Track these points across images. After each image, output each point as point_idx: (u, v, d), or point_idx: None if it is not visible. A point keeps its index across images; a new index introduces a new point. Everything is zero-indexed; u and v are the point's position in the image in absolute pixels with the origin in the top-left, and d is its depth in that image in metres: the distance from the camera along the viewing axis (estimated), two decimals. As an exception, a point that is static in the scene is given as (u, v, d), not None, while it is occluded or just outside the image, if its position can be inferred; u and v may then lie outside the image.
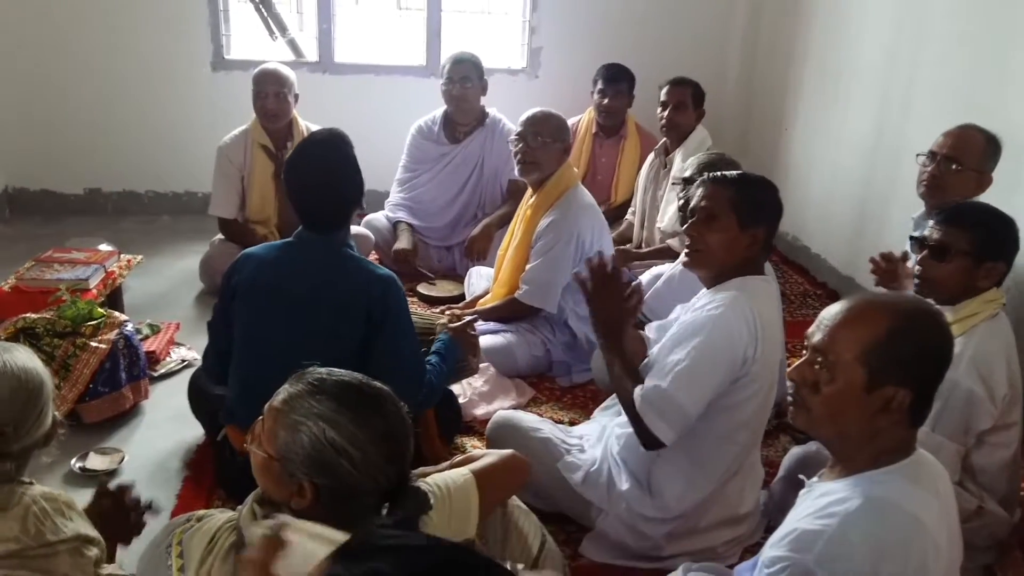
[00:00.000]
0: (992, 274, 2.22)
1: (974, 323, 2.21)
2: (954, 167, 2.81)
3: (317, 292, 2.31)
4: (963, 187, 2.81)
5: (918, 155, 2.94)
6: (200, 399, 2.73)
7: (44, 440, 1.70)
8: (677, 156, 4.01)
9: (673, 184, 3.67)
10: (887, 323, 1.46)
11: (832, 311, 1.53)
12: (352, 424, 1.41)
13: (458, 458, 2.03)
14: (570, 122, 4.67)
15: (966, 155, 2.81)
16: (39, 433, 1.67)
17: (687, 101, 4.08)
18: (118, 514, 1.93)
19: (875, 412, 1.46)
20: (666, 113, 4.11)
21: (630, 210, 4.44)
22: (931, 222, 2.30)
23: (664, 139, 4.21)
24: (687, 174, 3.14)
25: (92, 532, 1.73)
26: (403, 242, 4.31)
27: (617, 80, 4.49)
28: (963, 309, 2.23)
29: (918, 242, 2.32)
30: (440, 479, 1.73)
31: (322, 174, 2.34)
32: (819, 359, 1.51)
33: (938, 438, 2.15)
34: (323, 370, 1.51)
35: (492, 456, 1.95)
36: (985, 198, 2.74)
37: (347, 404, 1.43)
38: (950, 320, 2.21)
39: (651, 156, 4.27)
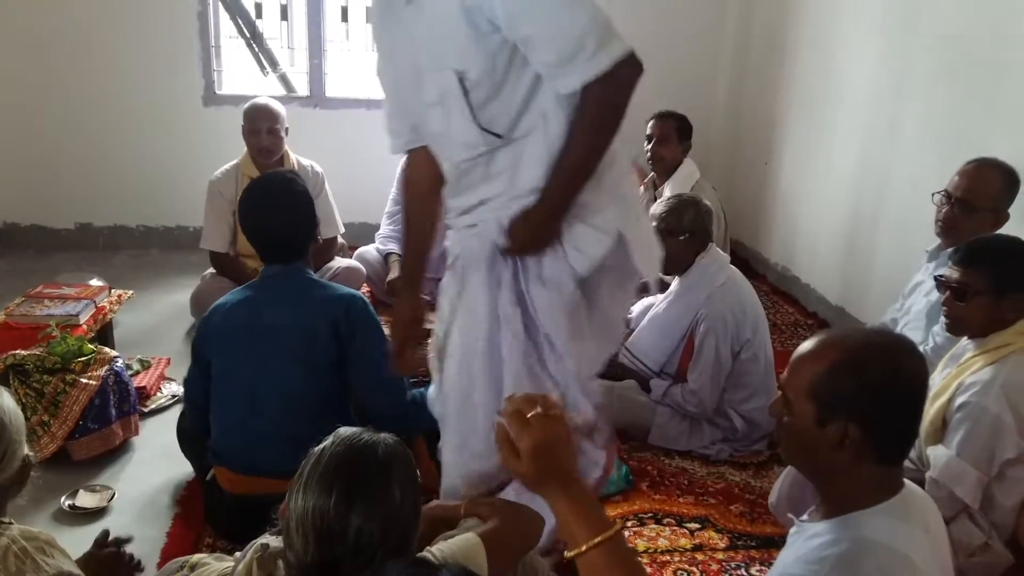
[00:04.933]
0: (1018, 305, 2.23)
1: (1004, 354, 2.22)
2: (970, 210, 2.76)
3: (284, 322, 2.35)
4: (978, 227, 2.74)
5: (934, 193, 2.89)
6: (188, 439, 2.72)
7: (13, 483, 1.67)
8: (666, 190, 4.04)
9: None
10: (833, 358, 1.45)
11: (799, 349, 1.54)
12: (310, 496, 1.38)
13: (474, 497, 1.98)
14: (560, 155, 4.72)
15: (980, 197, 2.76)
16: (2, 477, 1.63)
17: (670, 135, 4.11)
18: (114, 566, 1.91)
19: (832, 448, 1.44)
20: (650, 146, 4.15)
21: None
22: (949, 262, 2.32)
23: (652, 172, 4.23)
24: (654, 225, 3.14)
25: (76, 570, 1.71)
26: (396, 273, 4.31)
27: None
28: (993, 340, 2.25)
29: (940, 283, 2.34)
30: (447, 550, 1.64)
31: (270, 208, 2.43)
32: (783, 395, 1.53)
33: (962, 464, 2.15)
34: (343, 435, 1.48)
35: (503, 515, 1.83)
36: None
37: (322, 476, 1.40)
38: (976, 352, 2.24)
39: (640, 189, 4.29)
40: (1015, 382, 2.18)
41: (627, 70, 1.83)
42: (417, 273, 2.24)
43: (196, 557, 1.59)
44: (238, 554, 1.49)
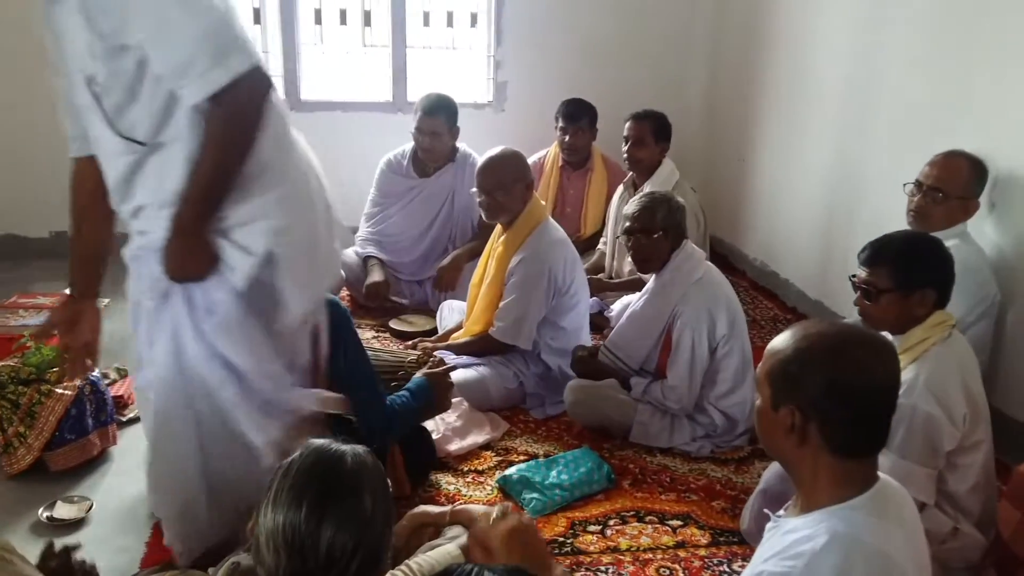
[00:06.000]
0: (925, 301, 2.26)
1: (925, 348, 2.24)
2: (939, 196, 2.89)
3: None
4: (948, 216, 2.90)
5: (905, 184, 3.02)
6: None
7: None
8: (646, 190, 4.05)
9: (617, 238, 3.67)
10: (792, 345, 1.52)
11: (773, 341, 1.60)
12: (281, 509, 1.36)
13: (459, 505, 1.98)
14: (537, 156, 4.74)
15: (950, 184, 2.90)
16: None
17: (645, 136, 4.11)
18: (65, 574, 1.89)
19: (786, 432, 1.50)
20: (626, 148, 4.16)
21: (602, 240, 4.47)
22: (858, 263, 2.35)
23: (631, 172, 4.24)
24: (627, 225, 3.16)
25: (36, 574, 1.69)
26: (375, 276, 4.30)
27: (577, 117, 4.53)
28: (911, 337, 2.27)
29: (853, 284, 2.37)
30: (426, 565, 1.62)
31: None
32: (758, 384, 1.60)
33: (908, 464, 2.17)
34: (312, 447, 1.45)
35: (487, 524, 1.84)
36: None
37: (291, 488, 1.38)
38: (900, 350, 2.25)
39: (620, 188, 4.30)
40: (937, 376, 2.21)
41: (250, 86, 1.80)
42: (87, 281, 2.18)
43: (169, 574, 1.57)
44: (212, 570, 1.47)
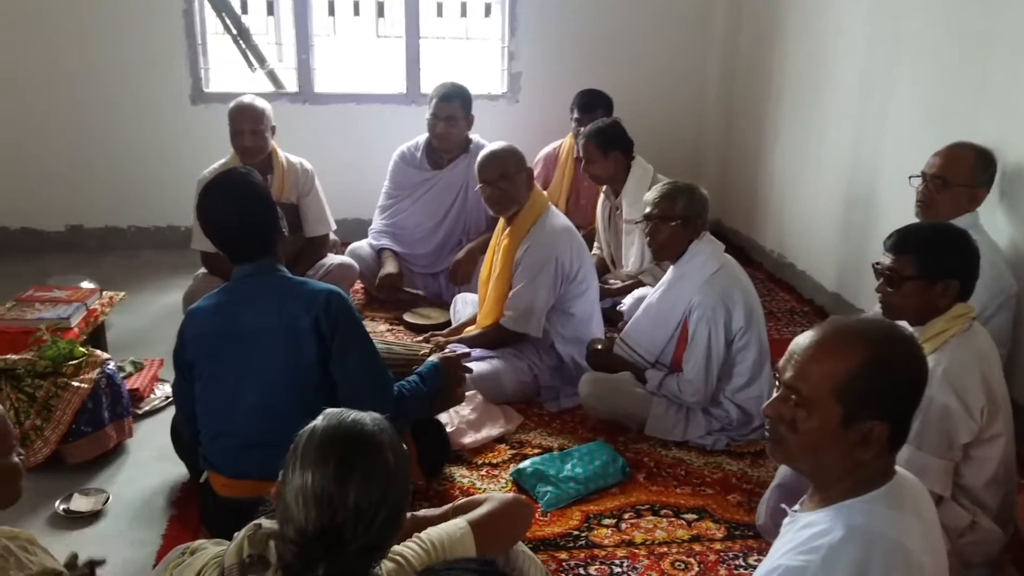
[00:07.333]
0: (948, 291, 2.24)
1: (944, 339, 2.22)
2: (942, 184, 2.90)
3: (265, 325, 2.31)
4: (955, 205, 2.90)
5: (911, 177, 3.01)
6: (182, 441, 2.70)
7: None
8: (624, 200, 4.02)
9: (636, 223, 3.63)
10: (859, 356, 1.43)
11: (802, 344, 1.50)
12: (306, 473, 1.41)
13: (460, 500, 1.99)
14: (551, 146, 4.73)
15: (955, 174, 2.91)
16: None
17: (591, 153, 4.03)
18: None
19: (854, 446, 1.43)
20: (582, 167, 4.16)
21: (596, 245, 4.40)
22: (884, 249, 2.33)
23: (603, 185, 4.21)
24: (647, 211, 3.13)
25: (59, 567, 1.71)
26: (388, 267, 4.29)
27: (592, 108, 4.50)
28: (931, 328, 2.25)
29: (876, 271, 2.34)
30: (435, 534, 1.68)
31: (230, 207, 2.38)
32: (793, 396, 1.48)
33: (924, 456, 2.15)
34: (331, 414, 1.50)
35: (492, 503, 1.88)
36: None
37: (319, 447, 1.43)
38: (920, 340, 2.23)
39: (602, 196, 4.27)
40: (955, 367, 2.18)
41: None
42: None
43: (197, 543, 1.64)
44: (236, 535, 1.51)
